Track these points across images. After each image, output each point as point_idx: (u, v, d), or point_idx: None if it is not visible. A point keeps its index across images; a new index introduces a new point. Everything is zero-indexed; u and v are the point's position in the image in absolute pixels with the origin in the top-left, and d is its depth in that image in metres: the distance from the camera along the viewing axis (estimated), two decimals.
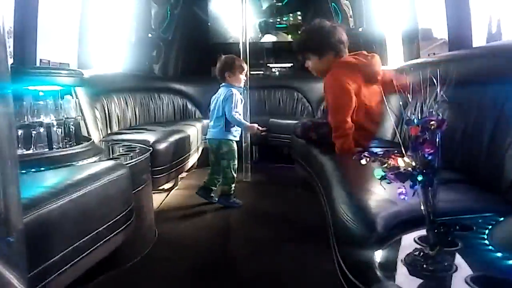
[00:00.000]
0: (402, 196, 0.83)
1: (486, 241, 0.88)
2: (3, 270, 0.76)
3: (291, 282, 1.78)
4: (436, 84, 0.87)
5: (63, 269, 1.20)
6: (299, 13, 4.92)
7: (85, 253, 1.33)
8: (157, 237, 2.22)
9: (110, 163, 1.71)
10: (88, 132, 2.53)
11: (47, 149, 1.73)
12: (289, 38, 4.98)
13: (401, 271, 0.82)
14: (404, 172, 0.81)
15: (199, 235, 2.32)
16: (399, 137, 2.20)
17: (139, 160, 1.97)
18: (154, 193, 2.42)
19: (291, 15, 4.96)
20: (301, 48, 2.40)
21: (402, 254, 0.86)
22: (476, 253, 0.84)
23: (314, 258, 1.89)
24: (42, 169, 1.54)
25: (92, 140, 2.04)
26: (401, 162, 0.83)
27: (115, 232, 1.53)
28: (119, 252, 1.63)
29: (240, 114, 2.83)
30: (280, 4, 4.95)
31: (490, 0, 2.37)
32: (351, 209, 1.22)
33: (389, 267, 0.86)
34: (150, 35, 4.34)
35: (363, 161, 0.94)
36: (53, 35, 2.66)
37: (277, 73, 5.01)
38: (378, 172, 0.85)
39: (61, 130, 1.83)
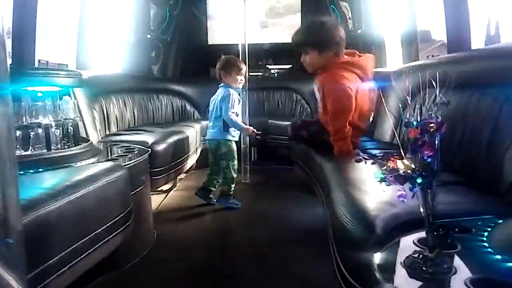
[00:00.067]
0: (402, 198, 0.83)
1: (486, 243, 0.88)
2: (2, 271, 0.76)
3: (290, 284, 1.78)
4: (435, 86, 0.87)
5: (62, 271, 1.19)
6: (298, 14, 4.92)
7: (84, 255, 1.32)
8: (156, 238, 2.22)
9: (108, 164, 1.71)
10: (86, 133, 2.53)
11: (45, 150, 1.72)
12: (288, 39, 4.98)
13: (401, 274, 0.82)
14: (403, 174, 0.82)
15: (198, 236, 2.32)
16: (397, 139, 2.19)
17: (138, 161, 1.97)
18: (152, 194, 2.42)
19: (290, 16, 4.96)
20: (302, 40, 2.33)
21: (401, 257, 0.86)
22: (476, 255, 0.84)
23: (313, 260, 1.89)
24: (40, 170, 1.53)
25: (90, 141, 2.04)
26: (400, 165, 0.83)
27: (113, 234, 1.53)
28: (118, 254, 1.62)
29: (237, 115, 2.83)
30: (279, 5, 4.95)
31: (488, 2, 2.38)
32: (350, 211, 1.21)
33: (388, 269, 0.86)
34: (149, 36, 4.33)
35: (363, 163, 0.94)
36: (51, 35, 2.66)
37: (276, 74, 5.02)
38: (378, 174, 0.85)
39: (60, 131, 1.83)
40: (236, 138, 2.90)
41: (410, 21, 2.89)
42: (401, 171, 0.82)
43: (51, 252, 1.16)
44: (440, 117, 0.81)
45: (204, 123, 3.71)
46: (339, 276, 1.13)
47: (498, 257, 0.82)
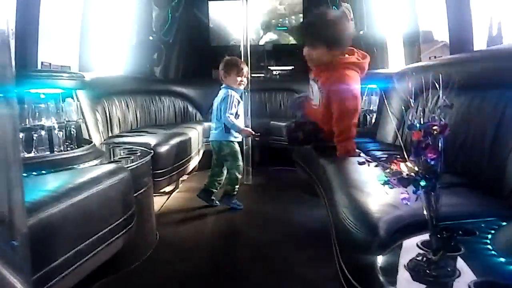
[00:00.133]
0: (405, 201, 0.83)
1: (489, 246, 0.88)
2: (7, 273, 0.76)
3: (292, 285, 1.78)
4: (438, 88, 0.87)
5: (65, 272, 1.20)
6: (300, 15, 4.93)
7: (87, 256, 1.32)
8: (159, 240, 2.22)
9: (111, 166, 1.71)
10: (89, 135, 2.54)
11: (48, 152, 1.73)
12: (290, 40, 5.00)
13: (404, 276, 0.82)
14: (407, 177, 0.82)
15: (200, 238, 2.32)
16: (400, 140, 2.19)
17: (140, 163, 1.97)
18: (155, 196, 2.42)
19: (292, 17, 4.97)
20: (312, 34, 2.21)
21: (404, 259, 0.86)
22: (479, 258, 0.84)
23: (316, 262, 1.89)
24: (44, 172, 1.54)
25: (93, 143, 2.05)
26: (403, 167, 0.83)
27: (116, 235, 1.53)
28: (121, 255, 1.62)
29: (238, 116, 2.83)
30: (281, 6, 4.96)
31: (490, 2, 2.37)
32: (353, 213, 1.21)
33: (391, 272, 0.86)
34: (151, 37, 4.35)
35: (367, 166, 0.94)
36: (54, 38, 2.66)
37: (278, 75, 5.02)
38: (381, 177, 0.85)
39: (62, 133, 1.84)
40: (239, 139, 2.91)
41: (412, 21, 2.89)
42: (404, 174, 0.82)
43: (55, 254, 1.17)
44: (443, 120, 0.81)
45: (206, 124, 3.72)
46: (342, 278, 1.12)
47: (502, 259, 0.82)
